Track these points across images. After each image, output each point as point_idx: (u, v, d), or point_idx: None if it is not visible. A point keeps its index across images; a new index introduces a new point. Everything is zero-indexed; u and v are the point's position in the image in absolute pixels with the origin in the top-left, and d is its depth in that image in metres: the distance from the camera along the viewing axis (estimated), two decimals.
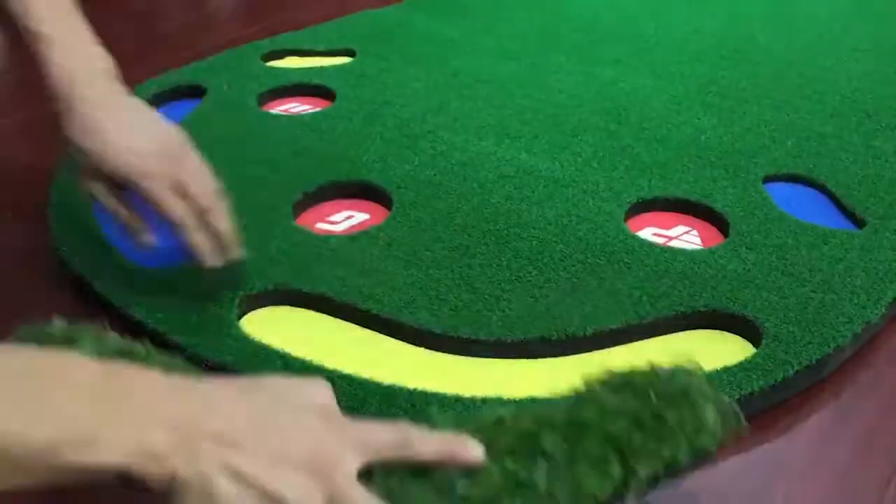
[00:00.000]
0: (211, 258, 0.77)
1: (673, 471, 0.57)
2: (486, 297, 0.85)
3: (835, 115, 1.20)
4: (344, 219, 1.00)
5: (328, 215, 1.01)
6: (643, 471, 0.55)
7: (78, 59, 0.74)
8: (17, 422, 0.43)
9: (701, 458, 0.57)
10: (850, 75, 1.32)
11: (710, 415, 0.57)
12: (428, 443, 0.51)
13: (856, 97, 1.25)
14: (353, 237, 0.94)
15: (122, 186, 0.75)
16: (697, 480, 0.70)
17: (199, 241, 0.76)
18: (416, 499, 0.51)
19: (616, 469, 0.54)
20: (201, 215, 0.76)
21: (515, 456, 0.53)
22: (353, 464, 0.48)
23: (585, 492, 0.53)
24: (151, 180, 0.73)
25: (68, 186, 1.02)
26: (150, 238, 0.77)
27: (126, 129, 0.73)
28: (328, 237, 0.94)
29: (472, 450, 0.52)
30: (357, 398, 0.74)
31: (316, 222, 0.99)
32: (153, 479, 0.46)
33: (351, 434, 0.50)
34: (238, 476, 0.46)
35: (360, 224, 0.99)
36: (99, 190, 0.75)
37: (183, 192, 0.75)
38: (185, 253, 0.80)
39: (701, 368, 0.61)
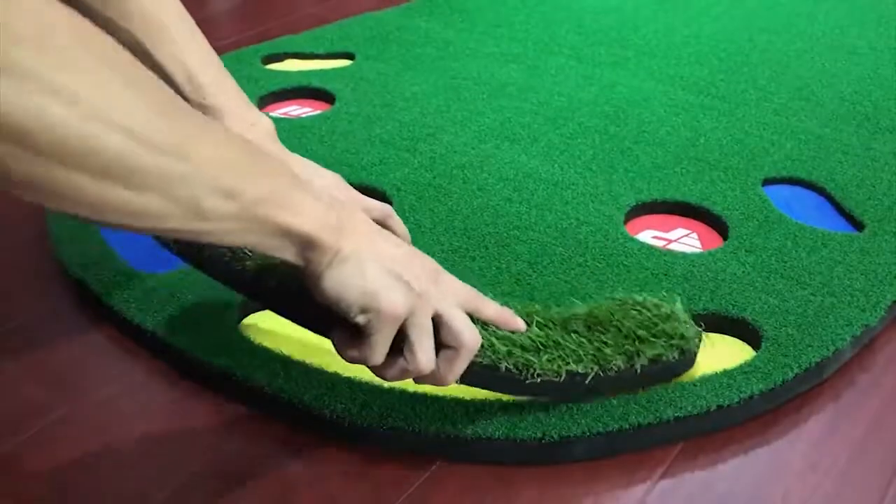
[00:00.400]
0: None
1: (666, 368, 0.75)
2: None
3: (833, 118, 1.20)
4: None
5: None
6: (647, 353, 0.73)
7: (249, 129, 0.77)
8: (243, 174, 0.54)
9: (686, 358, 0.75)
10: (849, 78, 1.32)
11: (690, 329, 0.76)
12: (490, 306, 0.70)
13: (854, 100, 1.25)
14: None
15: None
16: (697, 481, 0.71)
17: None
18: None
19: (628, 346, 0.73)
20: None
21: (549, 328, 0.73)
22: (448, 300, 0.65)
23: (606, 355, 0.72)
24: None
25: None
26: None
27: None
28: None
29: (519, 321, 0.72)
30: (357, 402, 0.74)
31: None
32: (319, 252, 0.58)
33: (449, 282, 0.67)
34: (381, 259, 0.61)
35: None
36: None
37: None
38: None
39: (677, 302, 0.78)
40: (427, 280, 0.63)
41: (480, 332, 0.67)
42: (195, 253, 0.71)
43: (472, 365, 0.66)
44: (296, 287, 0.65)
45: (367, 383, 0.75)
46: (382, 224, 0.77)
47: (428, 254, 0.90)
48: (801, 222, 0.97)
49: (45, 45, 0.44)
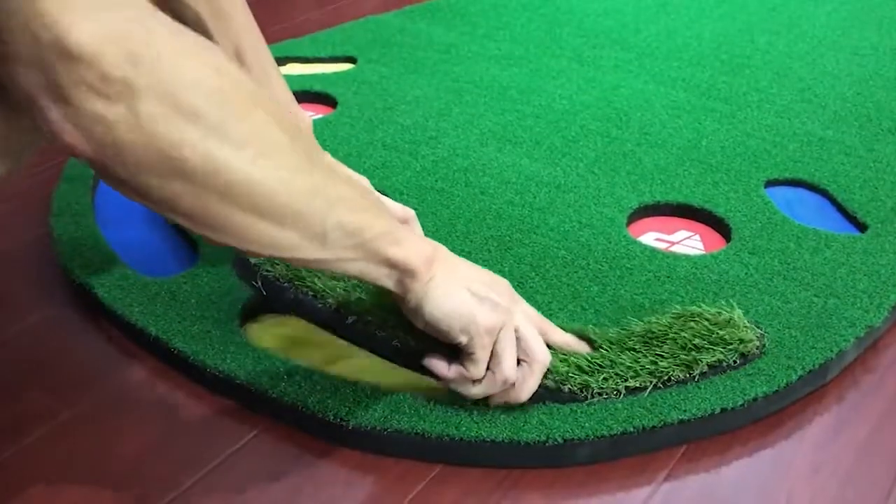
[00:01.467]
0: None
1: (725, 367, 0.76)
2: None
3: (836, 120, 1.20)
4: None
5: None
6: (705, 360, 0.75)
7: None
8: (362, 213, 0.62)
9: (747, 359, 0.77)
10: (851, 79, 1.32)
11: (750, 333, 0.78)
12: (557, 332, 0.76)
13: (857, 101, 1.25)
14: None
15: None
16: (701, 484, 0.70)
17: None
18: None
19: (684, 356, 0.75)
20: None
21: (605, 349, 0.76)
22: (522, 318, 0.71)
23: (662, 367, 0.74)
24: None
25: (70, 194, 1.02)
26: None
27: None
28: None
29: (584, 346, 0.76)
30: (360, 405, 0.74)
31: None
32: (417, 280, 0.66)
33: (522, 302, 0.74)
34: (470, 282, 0.68)
35: None
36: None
37: None
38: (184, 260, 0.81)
39: (735, 308, 0.80)
40: (509, 299, 0.71)
41: None
42: (279, 293, 0.78)
43: (540, 388, 0.72)
44: (373, 321, 0.76)
45: (369, 386, 0.75)
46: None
47: None
48: (803, 224, 0.97)
49: (225, 98, 0.52)
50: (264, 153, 0.54)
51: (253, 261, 0.84)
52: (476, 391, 0.71)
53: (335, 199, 0.60)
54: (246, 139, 0.53)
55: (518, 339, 0.70)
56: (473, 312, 0.67)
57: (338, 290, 0.78)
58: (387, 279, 0.66)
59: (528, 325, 0.71)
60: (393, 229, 0.65)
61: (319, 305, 0.78)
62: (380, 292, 0.75)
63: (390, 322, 0.75)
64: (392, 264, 0.65)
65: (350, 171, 0.86)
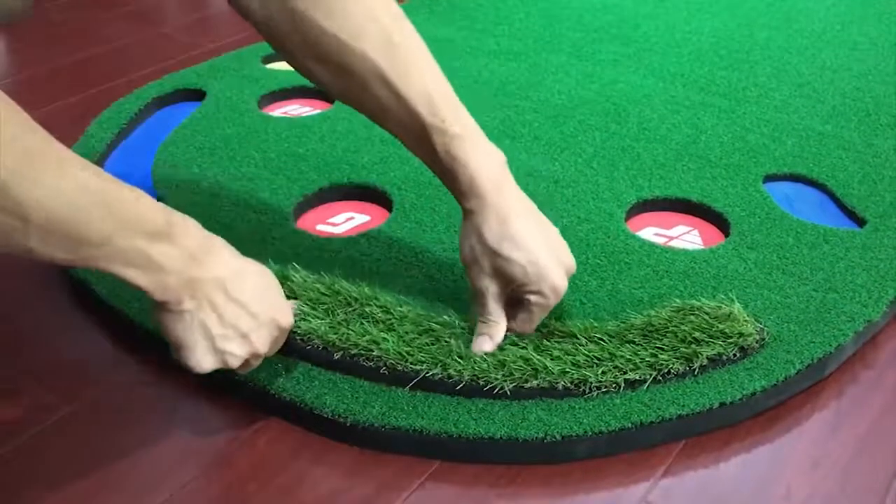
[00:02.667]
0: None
1: (725, 360, 0.76)
2: None
3: (835, 114, 1.20)
4: (344, 220, 1.00)
5: (329, 217, 1.01)
6: (705, 353, 0.75)
7: (487, 158, 0.75)
8: (91, 216, 0.57)
9: (746, 352, 0.77)
10: (850, 74, 1.32)
11: (749, 327, 0.78)
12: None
13: (855, 96, 1.25)
14: (354, 239, 0.94)
15: (512, 289, 0.76)
16: (699, 479, 0.70)
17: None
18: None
19: (684, 349, 0.75)
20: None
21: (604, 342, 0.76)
22: None
23: (661, 360, 0.74)
24: (557, 298, 0.76)
25: None
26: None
27: (543, 242, 0.75)
28: (329, 239, 0.94)
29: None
30: (359, 401, 0.74)
31: (316, 224, 0.99)
32: (164, 302, 0.64)
33: None
34: (218, 316, 0.66)
35: (360, 226, 0.99)
36: (490, 287, 0.76)
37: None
38: None
39: (734, 303, 0.81)
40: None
41: (533, 354, 0.75)
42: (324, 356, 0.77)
43: (528, 389, 0.73)
44: (358, 353, 0.76)
45: (366, 383, 0.75)
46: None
47: (429, 252, 0.91)
48: (802, 219, 0.97)
49: None
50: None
51: None
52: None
53: (46, 214, 0.55)
54: None
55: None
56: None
57: (322, 328, 0.77)
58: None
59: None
60: (132, 248, 0.60)
61: (308, 348, 0.76)
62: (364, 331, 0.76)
63: (375, 351, 0.75)
64: (122, 280, 0.61)
65: (531, 208, 0.78)
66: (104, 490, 0.70)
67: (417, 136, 0.74)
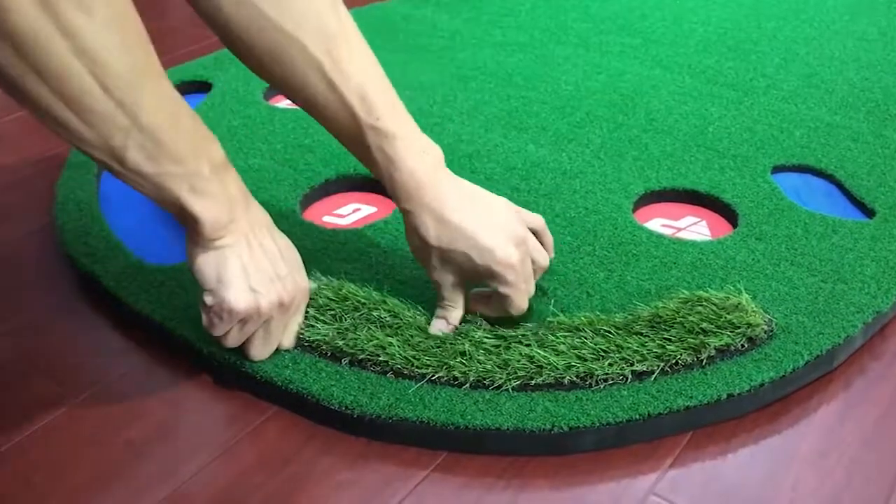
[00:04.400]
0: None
1: (733, 351, 0.76)
2: None
3: (843, 105, 1.19)
4: (351, 212, 1.00)
5: (335, 209, 1.01)
6: (713, 344, 0.75)
7: (420, 158, 0.75)
8: (178, 132, 0.64)
9: (754, 343, 0.77)
10: (859, 64, 1.31)
11: (758, 317, 0.78)
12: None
13: (864, 86, 1.24)
14: (361, 230, 0.94)
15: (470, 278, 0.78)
16: (707, 470, 0.70)
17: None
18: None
19: (691, 340, 0.75)
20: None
21: (611, 334, 0.76)
22: None
23: (670, 351, 0.74)
24: (514, 271, 0.75)
25: (74, 182, 1.02)
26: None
27: (484, 227, 0.75)
28: (335, 231, 0.94)
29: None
30: (365, 392, 0.73)
31: (323, 216, 0.99)
32: (199, 236, 0.68)
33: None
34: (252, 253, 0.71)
35: (367, 217, 0.99)
36: (445, 279, 0.77)
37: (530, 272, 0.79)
38: None
39: (742, 293, 0.80)
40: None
41: (537, 352, 0.74)
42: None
43: (534, 386, 0.73)
44: (364, 358, 0.77)
45: (373, 375, 0.75)
46: (536, 235, 0.82)
47: None
48: (811, 210, 0.96)
49: None
50: (90, 53, 0.57)
51: None
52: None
53: (147, 125, 0.61)
54: (78, 33, 0.56)
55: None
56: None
57: (330, 334, 0.77)
58: (177, 217, 0.68)
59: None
60: (200, 173, 0.66)
61: (317, 355, 0.77)
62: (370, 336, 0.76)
63: (381, 356, 0.75)
64: (180, 208, 0.67)
65: (480, 192, 0.79)
66: (111, 481, 0.70)
67: (352, 134, 0.75)
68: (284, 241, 0.75)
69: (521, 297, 0.76)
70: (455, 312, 0.78)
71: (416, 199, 0.75)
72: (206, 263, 0.70)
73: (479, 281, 0.77)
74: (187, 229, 0.69)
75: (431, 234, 0.75)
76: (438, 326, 0.78)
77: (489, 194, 0.78)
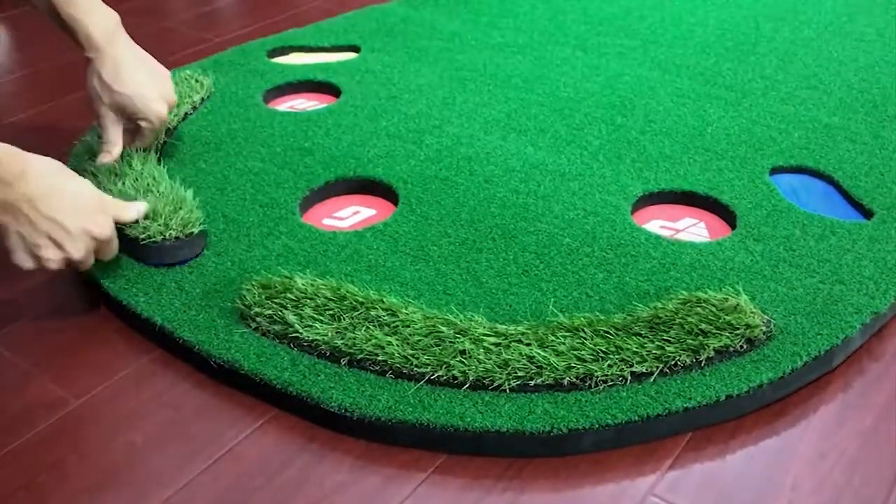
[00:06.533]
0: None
1: (732, 352, 0.77)
2: (494, 291, 0.85)
3: (841, 106, 1.19)
4: (350, 214, 1.00)
5: (334, 211, 1.01)
6: (712, 345, 0.75)
7: (101, 16, 0.95)
8: None
9: (753, 344, 0.77)
10: (857, 66, 1.31)
11: (756, 318, 0.78)
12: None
13: (862, 87, 1.24)
14: (360, 233, 0.94)
15: (127, 118, 1.00)
16: (706, 471, 0.70)
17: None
18: None
19: (690, 341, 0.75)
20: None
21: (610, 335, 0.76)
22: None
23: (668, 352, 0.74)
24: (160, 122, 1.01)
25: None
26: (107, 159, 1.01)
27: (147, 80, 0.99)
28: (335, 233, 0.94)
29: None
30: (364, 395, 0.74)
31: (322, 218, 0.99)
32: None
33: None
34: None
35: (366, 220, 0.99)
36: (108, 116, 0.98)
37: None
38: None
39: (741, 294, 0.81)
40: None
41: (537, 352, 0.75)
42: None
43: (533, 386, 0.73)
44: (363, 357, 0.77)
45: (373, 377, 0.75)
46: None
47: (434, 246, 0.91)
48: (809, 211, 0.97)
49: None
50: None
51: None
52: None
53: None
54: None
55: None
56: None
57: (329, 334, 0.77)
58: None
59: None
60: None
61: (316, 354, 0.77)
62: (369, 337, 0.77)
63: (380, 356, 0.76)
64: None
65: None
66: (112, 484, 0.70)
67: (49, 6, 0.93)
68: (68, 200, 0.80)
69: (152, 136, 1.02)
70: (116, 148, 0.99)
71: (99, 49, 0.95)
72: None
73: (132, 124, 0.99)
74: None
75: (109, 76, 0.96)
76: (103, 159, 0.98)
77: (159, 65, 1.02)
